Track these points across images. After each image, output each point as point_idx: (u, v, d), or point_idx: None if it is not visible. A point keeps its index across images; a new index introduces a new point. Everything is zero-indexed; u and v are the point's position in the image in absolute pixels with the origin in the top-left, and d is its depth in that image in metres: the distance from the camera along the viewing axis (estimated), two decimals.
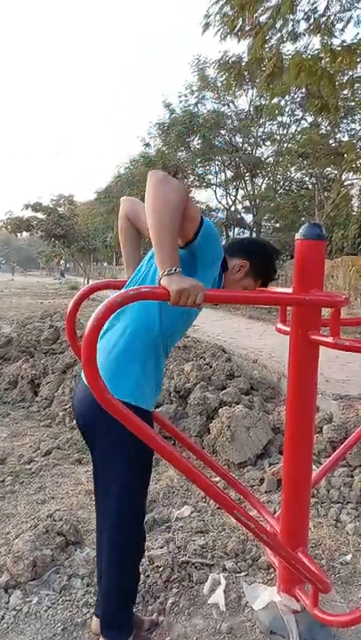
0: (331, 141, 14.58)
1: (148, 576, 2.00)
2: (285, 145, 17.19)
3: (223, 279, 1.64)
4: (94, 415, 1.41)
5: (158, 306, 1.45)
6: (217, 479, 2.59)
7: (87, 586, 1.93)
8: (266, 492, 2.77)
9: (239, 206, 21.42)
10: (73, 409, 1.64)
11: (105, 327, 1.54)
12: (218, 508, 2.54)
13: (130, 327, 1.46)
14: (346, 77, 7.55)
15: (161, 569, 2.02)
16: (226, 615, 1.81)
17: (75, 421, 1.64)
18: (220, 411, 3.44)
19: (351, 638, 1.72)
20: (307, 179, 18.87)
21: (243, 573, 2.05)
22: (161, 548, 2.16)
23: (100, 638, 1.55)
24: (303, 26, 6.31)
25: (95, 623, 1.66)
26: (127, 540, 1.51)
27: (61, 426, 3.87)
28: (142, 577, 1.97)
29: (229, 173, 19.52)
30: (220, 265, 1.54)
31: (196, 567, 2.06)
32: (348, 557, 2.18)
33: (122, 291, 1.20)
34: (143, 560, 2.07)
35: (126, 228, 1.74)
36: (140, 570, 1.99)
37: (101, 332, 1.55)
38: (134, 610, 1.68)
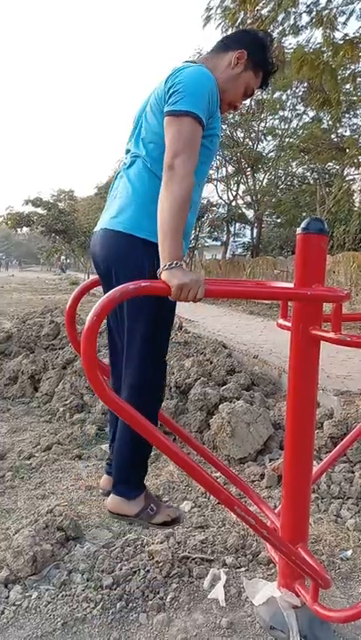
0: (333, 136, 14.51)
1: (149, 571, 1.99)
2: (287, 140, 17.12)
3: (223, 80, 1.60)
4: (121, 256, 1.49)
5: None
6: (217, 475, 2.58)
7: (87, 581, 1.93)
8: (266, 488, 2.77)
9: (240, 201, 21.38)
10: (93, 257, 1.68)
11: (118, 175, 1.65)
12: (218, 504, 2.54)
13: (144, 170, 1.54)
14: (348, 71, 7.48)
15: (161, 564, 2.02)
16: (226, 610, 1.81)
17: (97, 270, 1.70)
18: (220, 406, 3.44)
19: (351, 634, 1.72)
20: (308, 174, 18.81)
21: (243, 569, 2.05)
22: (161, 543, 2.16)
23: (112, 494, 1.56)
24: (305, 19, 6.27)
25: (105, 479, 1.68)
26: (148, 387, 1.53)
27: (62, 421, 3.87)
28: (142, 572, 1.97)
29: (230, 168, 19.47)
30: (218, 103, 1.54)
31: (196, 562, 2.06)
32: (349, 553, 2.18)
33: (121, 285, 1.19)
34: (143, 555, 2.07)
35: None
36: (140, 565, 2.00)
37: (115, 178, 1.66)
38: (134, 610, 1.69)
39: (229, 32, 6.30)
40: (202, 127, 1.42)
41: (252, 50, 1.60)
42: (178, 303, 1.51)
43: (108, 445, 1.79)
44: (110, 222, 1.59)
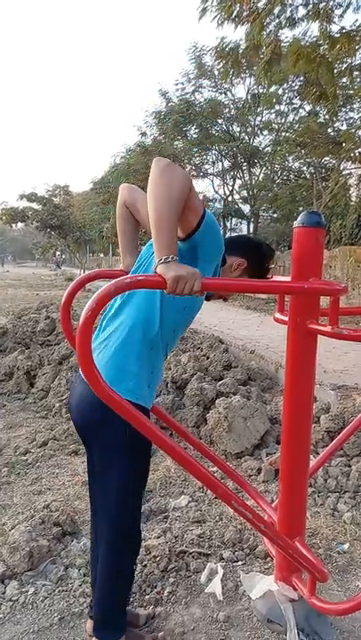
0: (329, 130, 14.46)
1: (146, 565, 2.00)
2: (283, 134, 17.04)
3: (221, 274, 1.61)
4: (94, 415, 1.38)
5: (160, 300, 1.41)
6: (214, 469, 2.58)
7: (84, 576, 1.93)
8: (263, 482, 2.77)
9: (236, 196, 21.30)
10: (69, 406, 1.59)
11: (104, 322, 1.53)
12: (215, 498, 2.54)
13: (129, 322, 1.43)
14: (345, 65, 7.46)
15: (158, 558, 2.02)
16: (223, 604, 1.81)
17: (71, 417, 1.59)
18: (217, 401, 3.43)
19: (348, 626, 1.72)
20: (305, 168, 18.75)
21: (240, 562, 2.05)
22: (158, 537, 2.16)
23: (94, 637, 1.54)
24: (302, 12, 6.23)
25: (90, 625, 1.65)
26: (124, 541, 1.48)
27: (57, 417, 3.86)
28: (139, 567, 1.98)
29: (227, 163, 19.38)
30: (220, 260, 1.51)
31: (193, 557, 2.06)
32: (346, 546, 2.19)
33: (117, 280, 1.17)
34: (141, 550, 2.06)
35: (125, 216, 1.71)
36: (138, 560, 1.99)
37: (100, 327, 1.53)
38: (131, 604, 1.67)
39: (225, 25, 6.26)
40: (199, 221, 1.33)
41: (253, 261, 1.65)
42: None
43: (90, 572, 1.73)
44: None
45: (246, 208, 20.82)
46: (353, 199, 17.89)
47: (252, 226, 20.50)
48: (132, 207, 1.68)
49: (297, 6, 6.11)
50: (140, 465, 1.48)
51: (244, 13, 6.01)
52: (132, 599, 1.82)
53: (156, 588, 1.90)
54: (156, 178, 1.25)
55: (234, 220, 22.71)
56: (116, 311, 1.48)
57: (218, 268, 1.53)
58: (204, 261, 1.40)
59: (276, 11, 5.95)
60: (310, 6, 6.06)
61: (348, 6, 6.25)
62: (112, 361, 1.41)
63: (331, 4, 6.06)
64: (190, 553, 2.08)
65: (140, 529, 1.59)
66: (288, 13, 6.12)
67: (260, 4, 5.96)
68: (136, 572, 1.93)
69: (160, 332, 1.43)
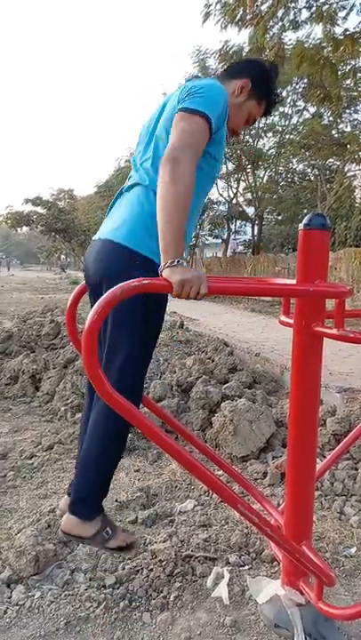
0: (333, 132, 14.46)
1: (152, 570, 1.99)
2: (287, 136, 17.06)
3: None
4: (113, 271, 1.45)
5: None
6: (220, 473, 2.58)
7: (90, 580, 1.92)
8: (269, 486, 2.76)
9: (241, 199, 21.31)
10: (86, 266, 1.65)
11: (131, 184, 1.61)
12: (221, 502, 2.53)
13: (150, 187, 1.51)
14: (348, 67, 7.46)
15: (164, 563, 2.01)
16: (230, 609, 1.80)
17: (84, 278, 1.68)
18: (222, 404, 3.42)
19: (356, 631, 1.71)
20: (309, 170, 18.74)
21: (246, 567, 2.04)
22: (164, 542, 2.15)
23: (67, 514, 1.54)
24: (305, 14, 6.25)
25: (65, 500, 1.66)
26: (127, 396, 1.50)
27: (63, 420, 3.86)
28: (145, 571, 1.97)
29: (231, 165, 19.39)
30: (225, 125, 1.53)
31: (199, 561, 2.05)
32: (353, 550, 2.17)
33: (122, 283, 1.17)
34: (146, 554, 2.06)
35: None
36: (143, 564, 1.99)
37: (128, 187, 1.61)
38: (137, 609, 1.67)
39: (228, 28, 6.29)
40: (210, 133, 1.40)
41: (257, 80, 1.60)
42: (176, 304, 1.50)
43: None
44: (111, 233, 1.55)
45: (251, 210, 20.83)
46: (358, 201, 17.86)
47: (256, 228, 20.49)
48: None
49: (300, 9, 6.14)
50: (152, 323, 1.53)
51: (248, 17, 6.04)
52: (137, 604, 1.81)
53: (162, 592, 1.89)
54: (165, 182, 1.27)
55: (238, 222, 22.72)
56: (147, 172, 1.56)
57: (223, 132, 1.54)
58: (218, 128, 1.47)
59: (279, 14, 5.98)
60: (314, 9, 6.07)
61: (351, 9, 6.26)
62: (138, 218, 1.49)
63: (334, 6, 6.07)
64: (196, 557, 2.07)
65: (142, 392, 1.62)
66: (291, 16, 6.14)
67: (264, 8, 5.99)
68: (142, 577, 1.93)
69: (195, 200, 1.48)
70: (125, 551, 1.68)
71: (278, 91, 1.72)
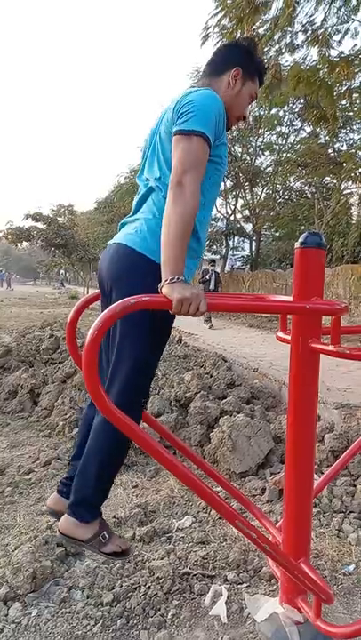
0: (330, 151, 14.69)
1: (149, 587, 1.97)
2: (284, 154, 17.31)
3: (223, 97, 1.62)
4: (124, 273, 1.48)
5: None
6: (218, 489, 2.57)
7: (87, 598, 1.91)
8: (267, 502, 2.75)
9: (239, 215, 21.52)
10: (99, 270, 1.68)
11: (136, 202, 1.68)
12: (219, 519, 2.52)
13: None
14: (344, 88, 7.62)
15: (162, 580, 2.00)
16: (228, 627, 1.79)
17: (98, 283, 1.71)
18: (220, 420, 3.43)
19: None
20: (306, 188, 18.97)
21: (245, 584, 2.03)
22: (162, 559, 2.14)
23: (66, 515, 1.53)
24: (301, 38, 6.41)
25: (54, 498, 1.65)
26: (127, 411, 1.50)
27: (61, 436, 3.85)
28: (143, 588, 1.95)
29: (229, 183, 19.62)
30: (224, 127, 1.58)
31: (197, 578, 2.04)
32: (351, 568, 2.16)
33: (123, 300, 1.20)
34: (144, 571, 2.05)
35: None
36: (141, 581, 1.98)
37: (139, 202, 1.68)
38: (135, 627, 1.66)
39: None
40: (209, 147, 1.46)
41: (244, 63, 1.66)
42: (177, 319, 1.52)
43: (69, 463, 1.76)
44: (127, 238, 1.59)
45: (248, 227, 21.01)
46: (354, 218, 18.03)
47: (254, 244, 20.63)
48: None
49: (296, 32, 6.29)
50: (159, 336, 1.54)
51: None
52: (135, 622, 1.80)
53: (159, 610, 1.87)
54: (173, 206, 1.36)
55: (236, 238, 22.89)
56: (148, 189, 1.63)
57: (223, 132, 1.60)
58: (221, 143, 1.56)
59: (276, 37, 6.12)
60: (309, 32, 6.23)
61: (346, 32, 6.43)
62: (152, 232, 1.53)
63: (329, 30, 6.23)
64: (194, 574, 2.06)
65: (145, 407, 1.63)
66: (288, 39, 6.30)
67: (261, 31, 6.14)
68: (139, 595, 1.92)
69: (204, 211, 1.58)
70: (120, 557, 1.68)
71: (261, 58, 1.80)
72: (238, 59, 1.66)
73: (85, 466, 1.52)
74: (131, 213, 1.71)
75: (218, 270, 12.02)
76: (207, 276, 11.29)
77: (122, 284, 1.52)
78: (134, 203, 1.71)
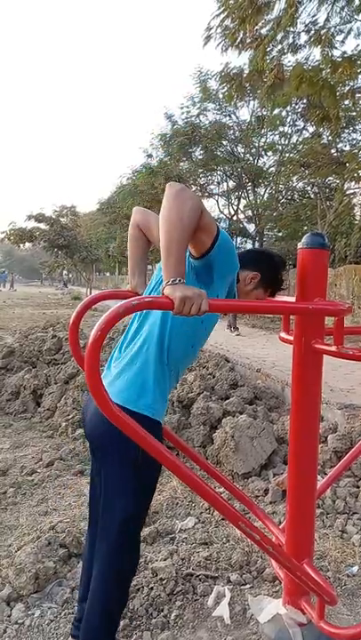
0: (332, 151, 14.65)
1: (152, 588, 1.97)
2: (287, 155, 17.27)
3: (236, 289, 1.64)
4: (107, 432, 1.38)
5: (169, 328, 1.45)
6: (221, 490, 2.56)
7: None
8: (271, 503, 2.74)
9: (241, 216, 21.47)
10: (83, 421, 1.63)
11: (124, 344, 1.56)
12: (222, 520, 2.52)
13: (147, 341, 1.47)
14: (347, 88, 7.60)
15: (165, 581, 2.00)
16: (231, 628, 1.79)
17: (84, 430, 1.63)
18: (223, 421, 3.42)
19: None
20: (309, 188, 18.93)
21: (248, 586, 2.02)
22: (165, 559, 2.14)
23: None
24: (304, 38, 6.39)
25: None
26: (124, 562, 1.47)
27: (64, 437, 3.85)
28: (146, 589, 1.95)
29: (231, 183, 19.59)
30: (235, 275, 1.55)
31: (200, 579, 2.04)
32: (355, 569, 2.15)
33: (125, 301, 1.20)
34: (147, 572, 2.05)
35: (137, 236, 1.76)
36: (144, 582, 1.98)
37: (120, 346, 1.57)
38: (138, 628, 1.65)
39: (229, 51, 6.43)
40: (213, 240, 1.36)
41: (266, 273, 1.69)
42: None
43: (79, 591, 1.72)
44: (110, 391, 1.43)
45: (251, 227, 20.97)
46: (357, 218, 18.01)
47: (256, 244, 20.60)
48: (145, 228, 1.73)
49: (299, 33, 6.27)
50: (149, 481, 1.48)
51: (248, 40, 6.17)
52: (138, 623, 1.79)
53: (162, 611, 1.87)
54: (169, 202, 1.30)
55: (239, 238, 22.86)
56: (135, 332, 1.53)
57: (233, 283, 1.57)
58: (219, 278, 1.46)
59: (278, 37, 6.11)
60: (312, 32, 6.22)
61: (349, 32, 6.41)
62: (135, 378, 1.44)
63: (332, 30, 6.22)
64: (197, 576, 2.06)
65: (139, 552, 1.57)
66: (290, 40, 6.28)
67: (264, 31, 6.13)
68: (142, 596, 1.91)
69: (177, 348, 1.47)
70: None
71: (282, 277, 1.81)
72: (264, 268, 1.69)
73: (88, 620, 1.49)
74: (120, 347, 1.58)
75: None
76: None
77: (108, 450, 1.45)
78: (123, 344, 1.58)
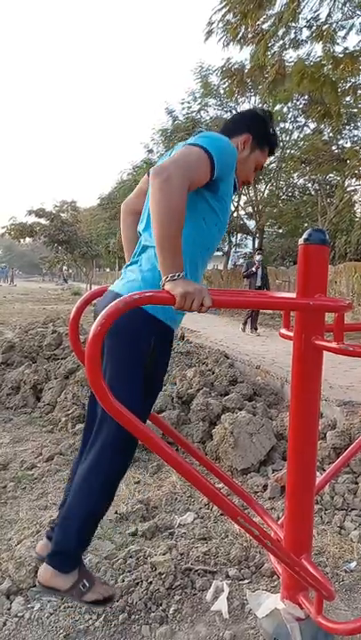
0: (333, 148, 14.63)
1: (151, 582, 1.98)
2: (288, 151, 17.24)
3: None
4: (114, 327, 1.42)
5: (202, 220, 1.49)
6: (220, 486, 2.57)
7: None
8: (269, 499, 2.75)
9: (242, 212, 21.46)
10: (94, 315, 1.62)
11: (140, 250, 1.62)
12: (221, 515, 2.53)
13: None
14: (348, 84, 7.58)
15: (164, 576, 2.01)
16: (229, 623, 1.80)
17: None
18: (222, 417, 3.43)
19: None
20: (309, 185, 18.91)
21: (246, 580, 2.03)
22: (163, 554, 2.15)
23: (45, 564, 1.53)
24: (306, 33, 6.38)
25: (42, 545, 1.65)
26: (113, 461, 1.48)
27: (64, 431, 3.86)
28: (144, 584, 1.96)
29: None
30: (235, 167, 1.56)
31: (198, 574, 2.05)
32: (353, 565, 2.16)
33: (125, 295, 1.20)
34: (146, 567, 2.06)
35: (128, 223, 1.80)
36: (143, 576, 1.99)
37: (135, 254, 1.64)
38: (137, 622, 1.66)
39: (231, 46, 6.41)
40: (210, 169, 1.40)
41: (256, 131, 1.67)
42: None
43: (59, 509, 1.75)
44: (123, 287, 1.56)
45: (252, 224, 20.96)
46: (358, 215, 17.99)
47: (257, 241, 20.59)
48: (131, 211, 1.76)
49: (301, 28, 6.26)
50: (154, 382, 1.55)
51: (250, 35, 6.16)
52: (136, 617, 1.81)
53: (161, 605, 1.88)
54: (155, 195, 1.29)
55: (239, 235, 22.85)
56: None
57: (234, 177, 1.59)
58: (222, 181, 1.49)
59: (280, 33, 6.09)
60: (314, 28, 6.20)
61: (351, 28, 6.39)
62: (148, 277, 1.50)
63: (334, 26, 6.20)
64: (196, 570, 2.07)
65: (131, 460, 1.61)
66: (292, 35, 6.27)
67: (265, 26, 6.11)
68: (141, 590, 1.92)
69: (196, 251, 1.51)
70: (103, 604, 1.66)
71: (275, 130, 1.78)
72: (252, 127, 1.67)
73: (66, 519, 1.50)
74: (132, 257, 1.66)
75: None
76: (253, 269, 9.01)
77: (111, 336, 1.49)
78: (137, 248, 1.66)
